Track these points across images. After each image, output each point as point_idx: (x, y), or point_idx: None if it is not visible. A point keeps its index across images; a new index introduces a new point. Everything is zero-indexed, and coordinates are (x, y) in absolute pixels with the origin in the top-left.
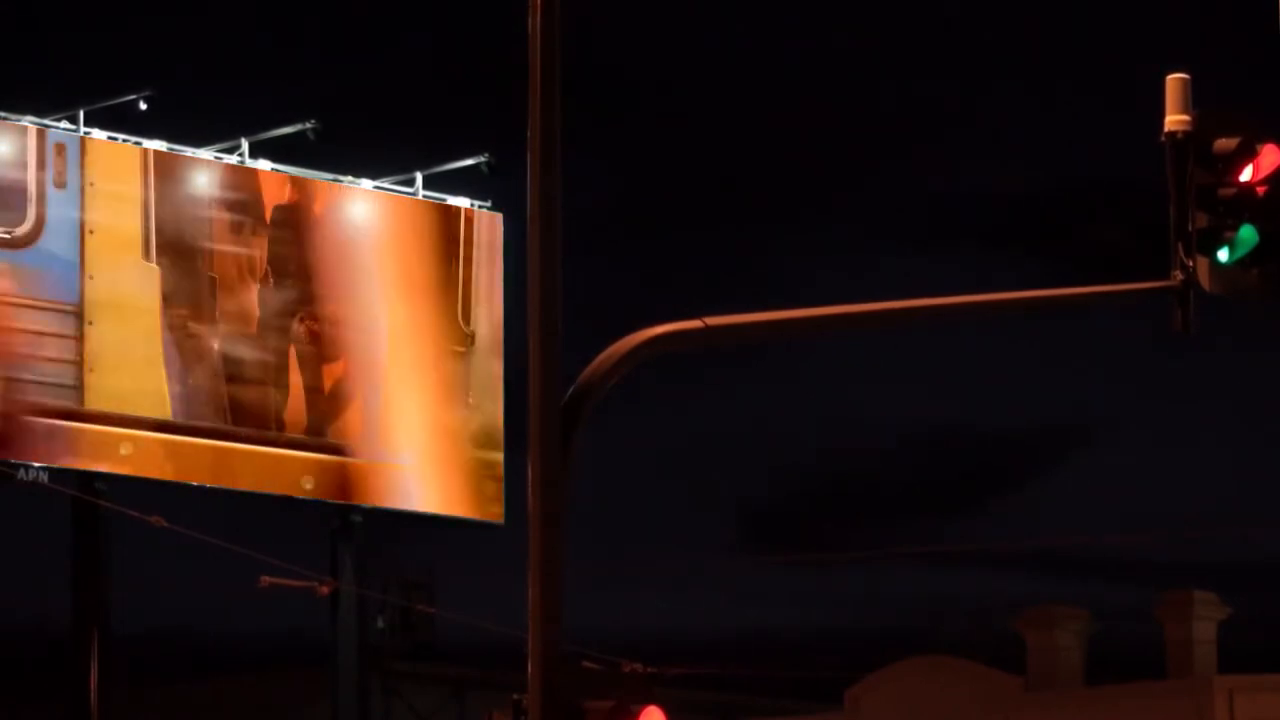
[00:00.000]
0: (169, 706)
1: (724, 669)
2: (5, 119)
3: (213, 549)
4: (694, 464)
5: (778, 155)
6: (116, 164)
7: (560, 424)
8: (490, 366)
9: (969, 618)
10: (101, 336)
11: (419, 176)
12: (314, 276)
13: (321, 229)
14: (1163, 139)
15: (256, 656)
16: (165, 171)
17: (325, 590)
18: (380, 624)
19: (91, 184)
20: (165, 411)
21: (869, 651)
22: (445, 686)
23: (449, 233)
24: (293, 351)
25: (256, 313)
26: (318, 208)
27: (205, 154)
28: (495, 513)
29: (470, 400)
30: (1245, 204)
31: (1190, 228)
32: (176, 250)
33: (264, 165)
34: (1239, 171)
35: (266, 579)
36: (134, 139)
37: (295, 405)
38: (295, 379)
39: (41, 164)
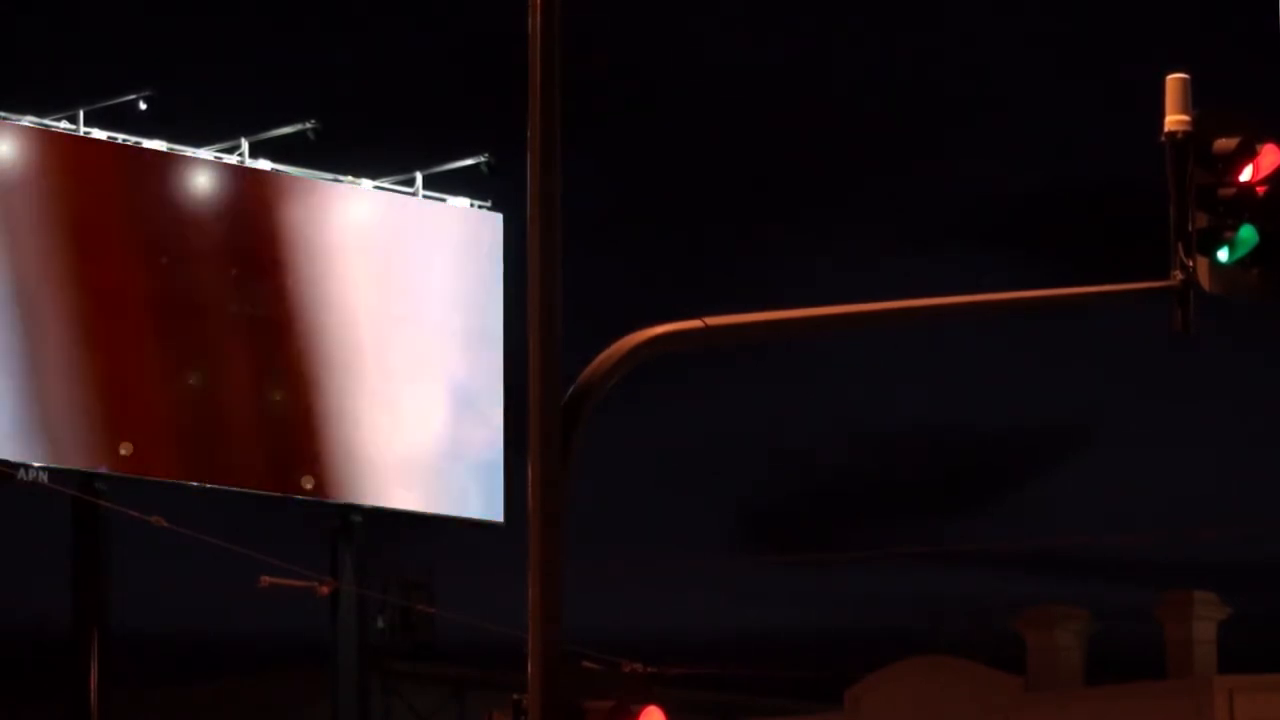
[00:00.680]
0: (169, 706)
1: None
2: (5, 119)
3: (213, 549)
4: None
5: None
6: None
7: (560, 424)
8: (490, 366)
9: (969, 618)
10: None
11: (419, 176)
12: (313, 277)
13: (321, 229)
14: (1163, 139)
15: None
16: (165, 171)
17: (325, 590)
18: (380, 624)
19: (91, 184)
20: (166, 413)
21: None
22: (445, 686)
23: (449, 233)
24: (293, 351)
25: (257, 313)
26: (317, 208)
27: (205, 154)
28: (495, 513)
29: (470, 400)
30: (1245, 204)
31: (1190, 228)
32: (175, 251)
33: (264, 165)
34: (1239, 171)
35: (266, 579)
36: (134, 139)
37: (295, 405)
38: (295, 379)
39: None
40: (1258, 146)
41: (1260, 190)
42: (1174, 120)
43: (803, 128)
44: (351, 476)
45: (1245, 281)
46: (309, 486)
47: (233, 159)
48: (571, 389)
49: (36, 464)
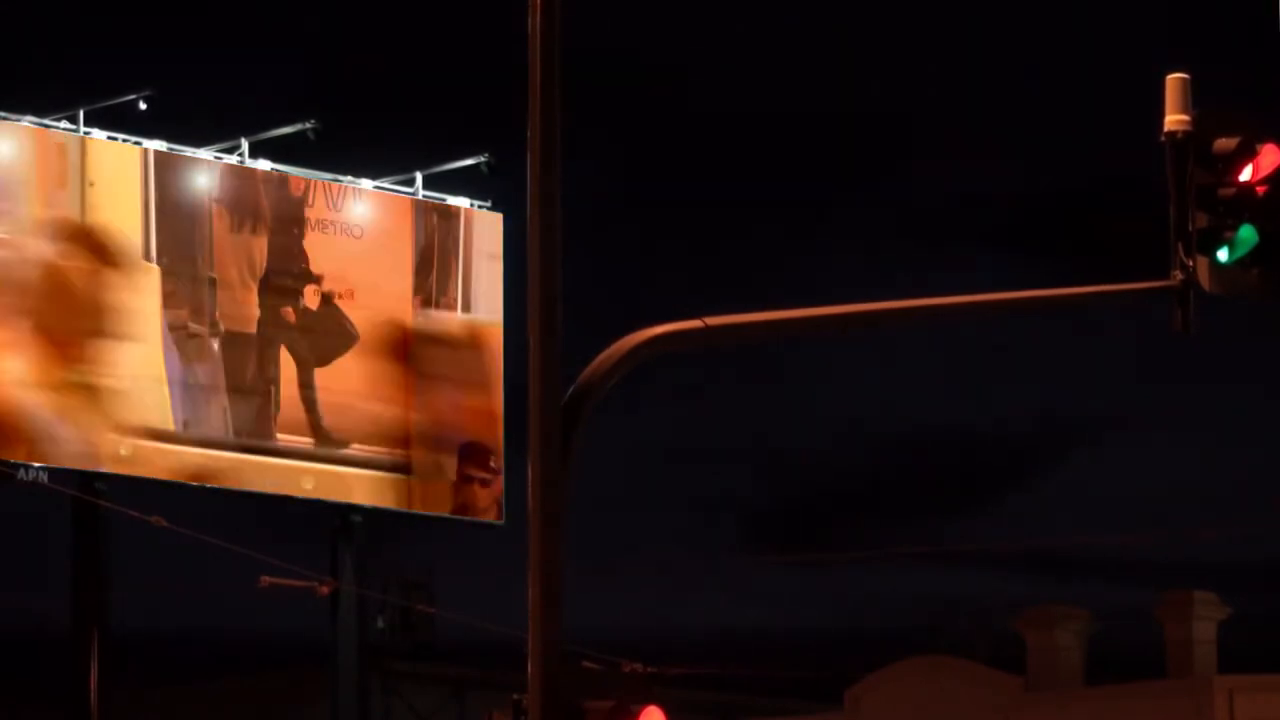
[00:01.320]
0: (169, 706)
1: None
2: (5, 119)
3: (213, 549)
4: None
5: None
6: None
7: (560, 424)
8: (490, 366)
9: (969, 618)
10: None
11: (419, 176)
12: (313, 276)
13: (321, 229)
14: (1163, 139)
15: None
16: (165, 171)
17: (325, 590)
18: (380, 624)
19: (91, 184)
20: (166, 413)
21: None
22: (445, 686)
23: (449, 233)
24: (292, 351)
25: (256, 313)
26: (317, 208)
27: (205, 154)
28: (494, 513)
29: (470, 400)
30: (1245, 204)
31: (1190, 228)
32: (177, 250)
33: (264, 165)
34: (1239, 171)
35: (266, 579)
36: (134, 139)
37: (294, 405)
38: (294, 379)
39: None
40: (1258, 146)
41: (1260, 190)
42: (1174, 120)
43: (804, 128)
44: (352, 476)
45: (1245, 281)
46: (309, 486)
47: (233, 159)
48: (571, 389)
49: (36, 464)
